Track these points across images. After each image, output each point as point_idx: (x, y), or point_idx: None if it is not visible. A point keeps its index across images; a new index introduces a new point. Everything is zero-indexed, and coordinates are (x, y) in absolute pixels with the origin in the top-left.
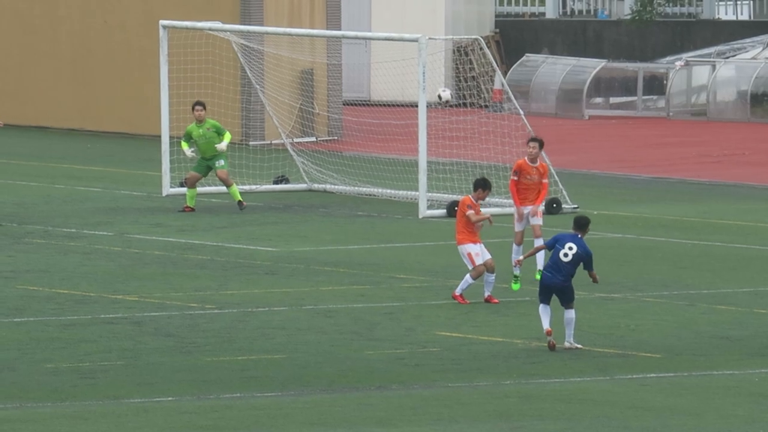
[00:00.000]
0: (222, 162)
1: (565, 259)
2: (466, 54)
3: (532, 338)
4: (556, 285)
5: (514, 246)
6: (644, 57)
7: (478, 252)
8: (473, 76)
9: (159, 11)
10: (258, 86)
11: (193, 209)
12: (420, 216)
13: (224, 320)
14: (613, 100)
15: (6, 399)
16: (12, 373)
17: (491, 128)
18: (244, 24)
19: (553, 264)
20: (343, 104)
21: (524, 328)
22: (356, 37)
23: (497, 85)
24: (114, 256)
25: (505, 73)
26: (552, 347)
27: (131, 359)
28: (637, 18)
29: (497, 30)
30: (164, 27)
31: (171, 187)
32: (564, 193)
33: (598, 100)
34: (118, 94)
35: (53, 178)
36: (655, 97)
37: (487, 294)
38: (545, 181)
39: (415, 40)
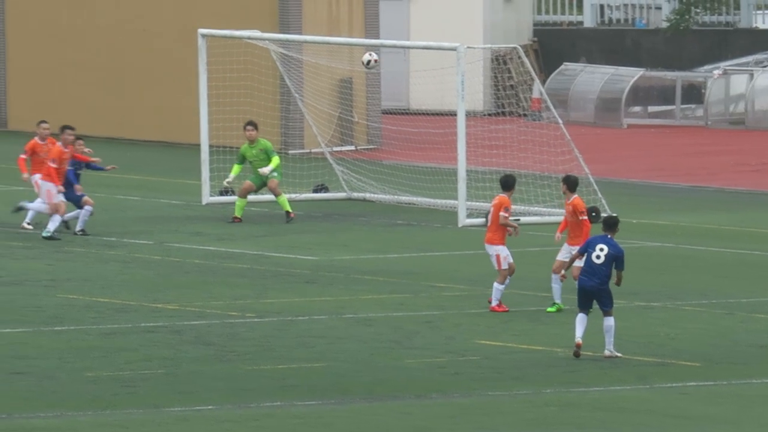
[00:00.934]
0: (275, 172)
1: (597, 261)
2: (505, 63)
3: (571, 347)
4: (593, 288)
5: (553, 275)
6: (682, 66)
7: (506, 255)
8: (512, 85)
9: (197, 20)
10: (297, 95)
11: (240, 220)
12: (459, 225)
13: (264, 329)
14: (651, 108)
15: (46, 408)
16: (52, 382)
17: (530, 137)
18: (283, 33)
19: (588, 268)
20: (382, 113)
21: (564, 336)
22: (395, 46)
23: (536, 94)
24: (154, 265)
25: (543, 82)
26: (576, 356)
27: (171, 368)
28: (674, 26)
29: (536, 39)
30: (203, 36)
31: (210, 195)
32: (603, 201)
33: (637, 108)
34: (157, 102)
35: (92, 186)
36: (693, 105)
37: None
38: (582, 218)
39: (454, 49)
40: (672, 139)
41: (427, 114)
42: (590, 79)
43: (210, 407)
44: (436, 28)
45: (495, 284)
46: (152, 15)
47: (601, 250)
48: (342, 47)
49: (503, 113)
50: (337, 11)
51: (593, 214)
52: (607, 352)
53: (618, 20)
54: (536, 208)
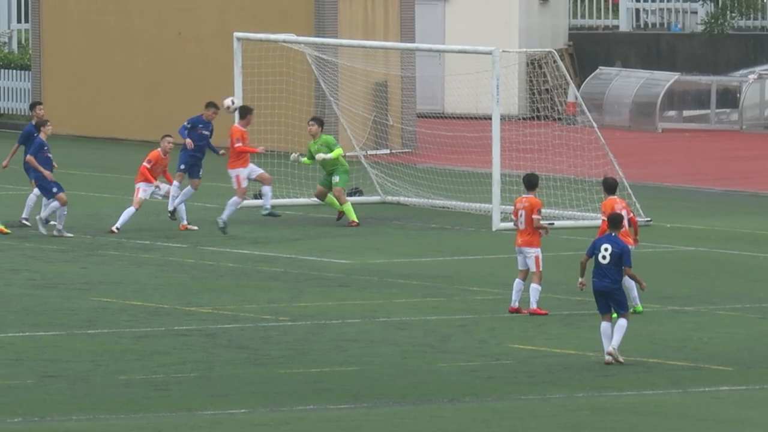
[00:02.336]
0: (338, 179)
1: (604, 262)
2: (540, 67)
3: (605, 351)
4: (605, 289)
5: None
6: (717, 70)
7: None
8: (547, 89)
9: (233, 24)
10: (332, 98)
11: (358, 223)
12: (493, 228)
13: (297, 332)
14: (686, 113)
15: (80, 411)
16: (86, 384)
17: (564, 141)
18: (318, 36)
19: (597, 270)
20: (417, 116)
21: (597, 340)
22: (430, 50)
23: (571, 98)
24: (188, 268)
25: (578, 86)
26: (608, 363)
27: (205, 371)
28: (709, 30)
29: (571, 43)
30: (238, 39)
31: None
32: (637, 205)
33: (671, 113)
34: (192, 106)
35: (127, 190)
36: (728, 110)
37: (518, 304)
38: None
39: (489, 53)
40: (707, 144)
41: (462, 118)
42: (625, 83)
43: (243, 410)
44: (472, 32)
45: (534, 286)
46: (188, 18)
47: (606, 250)
48: (377, 51)
49: (538, 117)
50: (373, 15)
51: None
52: (610, 348)
53: (653, 24)
54: (570, 212)
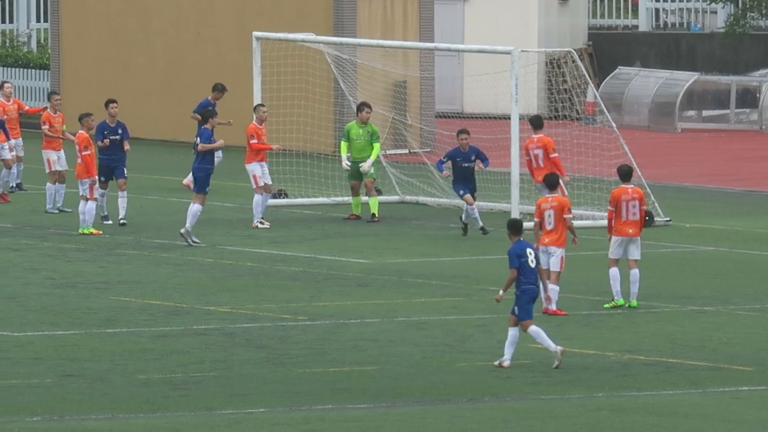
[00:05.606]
0: (372, 169)
1: (533, 265)
2: (559, 67)
3: (624, 351)
4: (538, 289)
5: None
6: (737, 70)
7: None
8: (566, 89)
9: (252, 24)
10: (351, 98)
11: (358, 216)
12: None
13: (316, 332)
14: (705, 113)
15: (99, 410)
16: (104, 384)
17: (583, 141)
18: (338, 36)
19: (530, 275)
20: (436, 116)
21: (616, 340)
22: (449, 50)
23: (590, 98)
24: (206, 268)
25: (597, 86)
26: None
27: (223, 370)
28: (729, 31)
29: (590, 43)
30: (257, 38)
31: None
32: (656, 205)
33: (691, 113)
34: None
35: (146, 189)
36: (747, 110)
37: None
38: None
39: (508, 53)
40: (726, 144)
41: (481, 117)
42: (645, 83)
43: (262, 410)
44: (491, 32)
45: (553, 286)
46: (207, 19)
47: (531, 254)
48: (396, 50)
49: (557, 117)
50: (392, 14)
51: (646, 218)
52: (506, 363)
53: (673, 24)
54: (590, 212)
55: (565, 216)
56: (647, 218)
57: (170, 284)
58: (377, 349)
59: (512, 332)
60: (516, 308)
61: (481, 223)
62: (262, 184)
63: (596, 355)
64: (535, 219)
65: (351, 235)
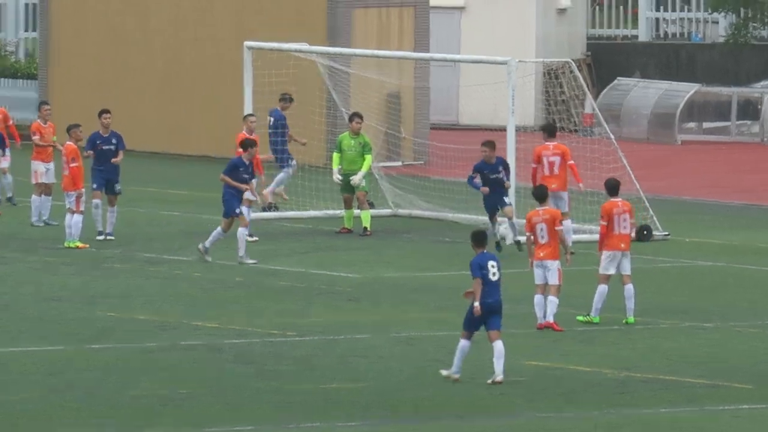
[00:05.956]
0: (363, 182)
1: (495, 278)
2: (557, 77)
3: (620, 368)
4: (499, 304)
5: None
6: (738, 81)
7: None
8: (563, 100)
9: (250, 23)
10: (344, 109)
11: (350, 230)
12: (508, 242)
13: (306, 347)
14: (706, 125)
15: (86, 427)
16: (92, 400)
17: (581, 153)
18: (332, 44)
19: (492, 288)
20: (432, 128)
21: (613, 357)
22: (445, 60)
23: (588, 109)
24: (195, 282)
25: (596, 97)
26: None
27: (212, 387)
28: (731, 41)
29: (589, 53)
30: (249, 48)
31: (254, 211)
32: (654, 219)
33: (691, 125)
34: (207, 115)
35: (136, 201)
36: (749, 122)
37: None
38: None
39: (505, 63)
40: (727, 156)
41: (478, 129)
42: (644, 94)
43: (250, 427)
44: (488, 41)
45: (552, 298)
46: (205, 17)
47: (494, 266)
48: (391, 61)
49: None
50: (387, 23)
51: (644, 232)
52: (499, 378)
53: (673, 34)
54: (587, 226)
55: (556, 228)
56: (645, 232)
57: (158, 298)
58: (367, 365)
59: (463, 343)
60: (466, 317)
61: (517, 237)
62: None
63: (592, 372)
64: (527, 233)
65: (342, 248)
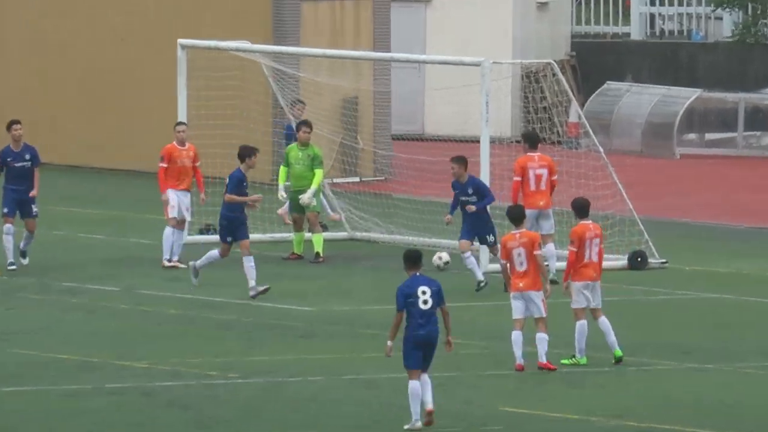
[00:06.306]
0: (314, 201)
1: (426, 307)
2: (537, 81)
3: (611, 415)
4: (434, 336)
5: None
6: (746, 86)
7: None
8: (545, 107)
9: (181, 25)
10: (292, 117)
11: (300, 256)
12: (481, 270)
13: (250, 391)
14: (708, 136)
15: None
16: None
17: (565, 168)
18: (278, 44)
19: (420, 318)
20: (393, 139)
21: (602, 402)
22: (408, 61)
23: (573, 118)
24: (122, 315)
25: (582, 104)
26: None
27: None
28: (740, 40)
29: (573, 53)
30: (183, 47)
31: (189, 234)
32: (650, 244)
33: (692, 136)
34: (134, 125)
35: (53, 222)
36: (758, 132)
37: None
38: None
39: (478, 65)
40: (733, 172)
41: (445, 140)
42: (637, 100)
43: None
44: (458, 40)
45: (542, 335)
46: (133, 20)
47: (424, 293)
48: (346, 62)
49: None
50: (342, 19)
51: (638, 259)
52: (430, 407)
53: (671, 32)
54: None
55: (535, 253)
56: (639, 259)
57: (80, 334)
58: (319, 410)
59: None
60: (403, 354)
61: (479, 277)
62: (174, 215)
63: (579, 421)
64: (502, 261)
65: (292, 277)
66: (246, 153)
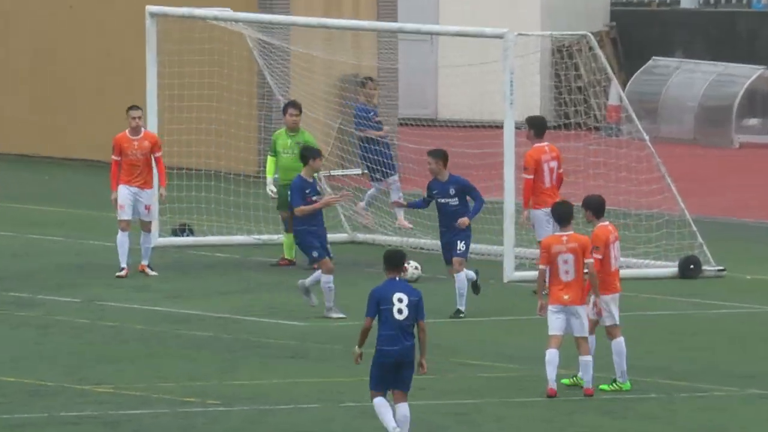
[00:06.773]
0: None
1: (400, 317)
2: (571, 56)
3: None
4: (407, 352)
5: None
6: None
7: None
8: (579, 87)
9: None
10: (282, 98)
11: (292, 262)
12: (505, 279)
13: (231, 420)
14: None
15: None
16: None
17: (604, 158)
18: (264, 12)
19: (391, 330)
20: (400, 124)
21: None
22: (418, 32)
23: (613, 100)
24: (81, 332)
25: (623, 84)
26: None
27: None
28: None
29: (613, 24)
30: (152, 15)
31: (160, 235)
32: (705, 249)
33: (753, 121)
34: (91, 108)
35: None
36: None
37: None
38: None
39: (501, 37)
40: None
41: (462, 126)
42: (689, 80)
43: None
44: (476, 9)
45: (587, 359)
46: None
47: (401, 300)
48: (344, 33)
49: (567, 125)
50: None
51: (691, 266)
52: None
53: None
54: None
55: (586, 261)
56: (692, 266)
57: (32, 354)
58: None
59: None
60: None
61: (462, 306)
62: (124, 217)
63: None
64: (541, 266)
65: (281, 287)
66: (309, 155)
